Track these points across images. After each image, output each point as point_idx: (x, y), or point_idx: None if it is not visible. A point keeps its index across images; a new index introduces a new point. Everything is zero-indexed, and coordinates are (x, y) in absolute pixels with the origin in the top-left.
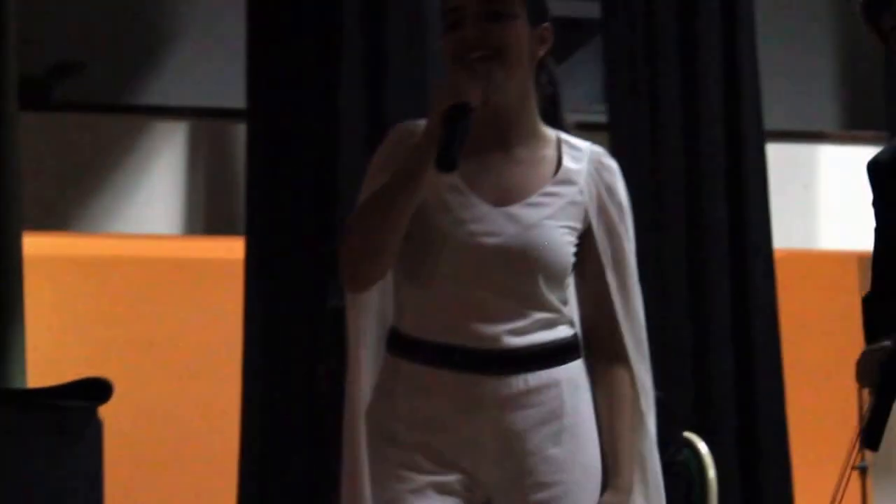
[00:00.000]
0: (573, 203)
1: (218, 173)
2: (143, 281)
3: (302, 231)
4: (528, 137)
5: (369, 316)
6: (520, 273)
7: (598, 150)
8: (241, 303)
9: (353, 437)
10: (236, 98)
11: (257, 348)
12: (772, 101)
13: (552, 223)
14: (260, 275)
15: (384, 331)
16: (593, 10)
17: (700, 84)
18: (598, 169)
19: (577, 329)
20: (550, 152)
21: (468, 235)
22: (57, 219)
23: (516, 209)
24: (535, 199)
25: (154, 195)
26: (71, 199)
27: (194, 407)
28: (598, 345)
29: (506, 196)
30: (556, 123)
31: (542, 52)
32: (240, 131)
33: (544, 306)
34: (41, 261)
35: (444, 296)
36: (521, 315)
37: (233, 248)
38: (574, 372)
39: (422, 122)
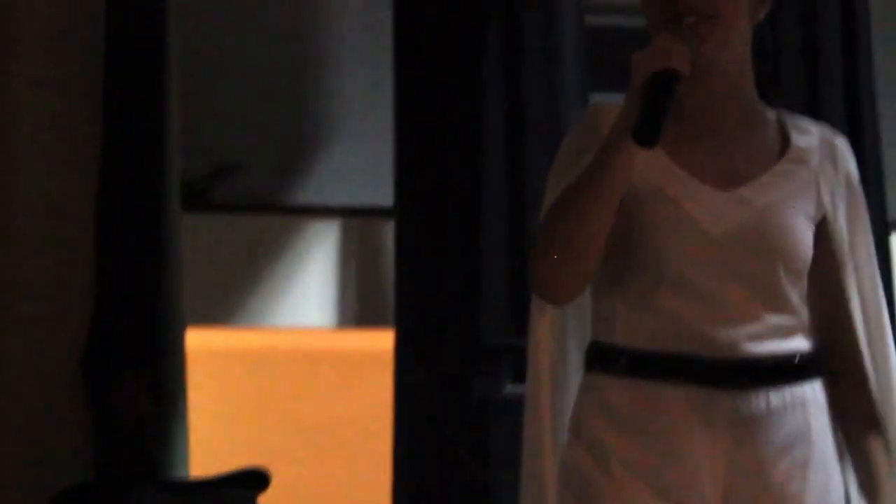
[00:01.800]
0: (806, 186)
1: (368, 268)
2: (298, 371)
3: (448, 322)
4: (746, 115)
5: (563, 336)
6: (757, 263)
7: (829, 130)
8: (391, 392)
9: (539, 484)
10: (385, 196)
11: (406, 436)
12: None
13: (788, 205)
14: (409, 365)
15: (570, 353)
16: None
17: None
18: (830, 150)
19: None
20: (772, 133)
21: (692, 223)
22: (217, 314)
23: (744, 191)
24: (764, 178)
25: (308, 290)
26: (230, 295)
27: (347, 492)
28: (830, 364)
29: (729, 178)
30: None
31: (761, 17)
32: (388, 228)
33: (785, 307)
34: (203, 354)
35: (667, 296)
36: (759, 317)
37: (383, 340)
38: (819, 391)
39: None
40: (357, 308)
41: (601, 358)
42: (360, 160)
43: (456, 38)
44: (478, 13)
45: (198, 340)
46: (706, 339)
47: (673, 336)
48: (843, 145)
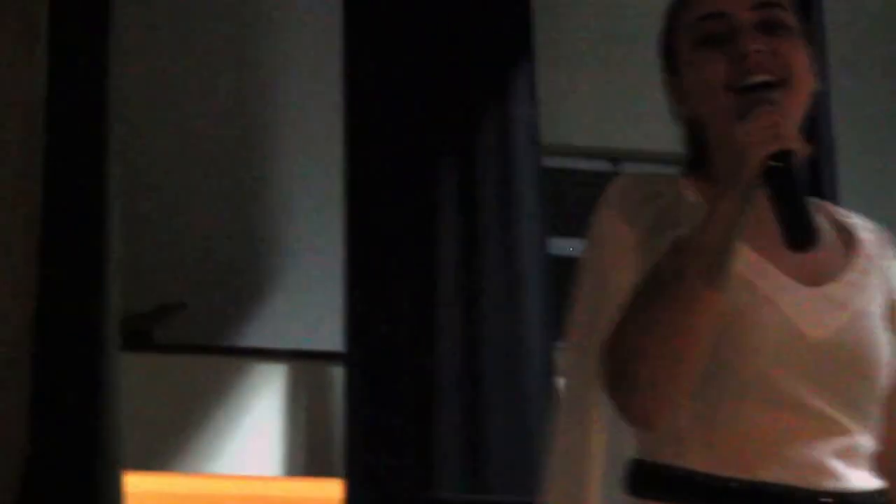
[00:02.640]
0: (879, 283)
1: (316, 414)
2: None
3: (400, 473)
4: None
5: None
6: (851, 374)
7: (871, 223)
8: None
9: None
10: (334, 341)
11: None
12: None
13: (874, 308)
14: None
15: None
16: None
17: None
18: (882, 240)
19: None
20: (821, 219)
21: (785, 323)
22: (157, 459)
23: (835, 290)
24: (849, 276)
25: (253, 436)
26: (172, 439)
27: None
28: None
29: (814, 274)
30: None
31: (817, 83)
32: (338, 374)
33: (868, 424)
34: (142, 500)
35: (752, 409)
36: (850, 441)
37: (331, 489)
38: None
39: (650, 176)
40: (304, 455)
41: (657, 482)
42: (310, 303)
43: (410, 183)
44: (433, 158)
45: (136, 486)
46: (792, 463)
47: (752, 457)
48: (886, 234)
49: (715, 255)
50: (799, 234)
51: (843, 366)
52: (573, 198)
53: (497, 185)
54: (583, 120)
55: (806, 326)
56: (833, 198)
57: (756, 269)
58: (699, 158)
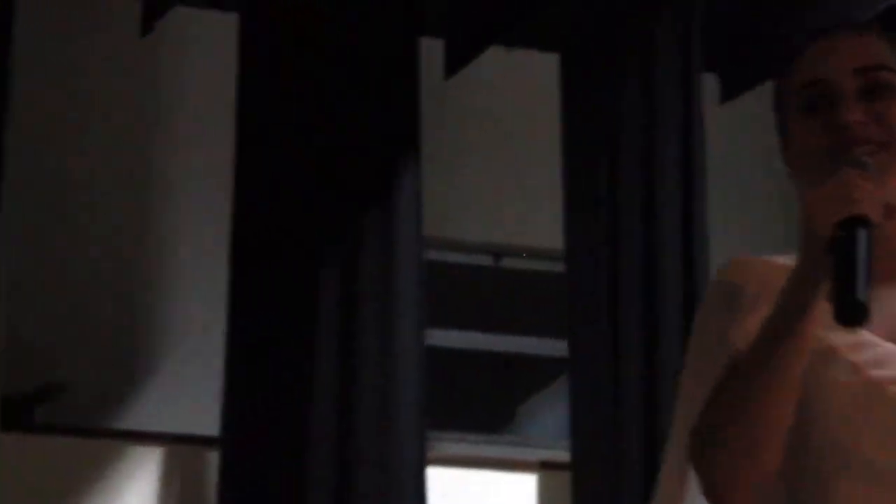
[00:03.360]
0: None
1: (190, 498)
2: None
3: None
4: None
5: None
6: None
7: None
8: None
9: None
10: (210, 426)
11: None
12: None
13: None
14: None
15: None
16: (561, 349)
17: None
18: None
19: None
20: None
21: (870, 385)
22: None
23: None
24: None
25: None
26: None
27: None
28: None
29: None
30: None
31: None
32: (213, 458)
33: None
34: None
35: (851, 487)
36: None
37: None
38: None
39: (763, 259)
40: None
41: None
42: (187, 388)
43: (292, 271)
44: (316, 249)
45: None
46: None
47: None
48: None
49: (779, 357)
50: (846, 312)
51: None
52: (455, 291)
53: (379, 276)
54: (467, 215)
55: (877, 370)
56: None
57: (836, 330)
58: None
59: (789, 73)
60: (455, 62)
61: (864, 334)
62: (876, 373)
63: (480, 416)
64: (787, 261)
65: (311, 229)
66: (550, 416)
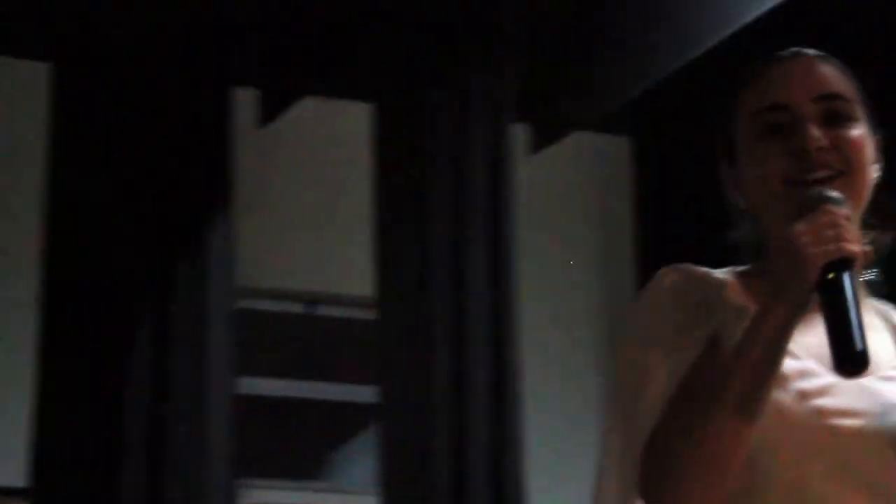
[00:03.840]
0: None
1: None
2: None
3: None
4: (862, 290)
5: None
6: (884, 469)
7: None
8: None
9: None
10: (17, 476)
11: None
12: None
13: None
14: None
15: None
16: (368, 394)
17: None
18: None
19: None
20: (880, 321)
21: (817, 414)
22: None
23: (873, 382)
24: (891, 372)
25: None
26: None
27: None
28: None
29: None
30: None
31: (875, 175)
32: None
33: None
34: None
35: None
36: None
37: None
38: None
39: (702, 270)
40: None
41: None
42: None
43: (104, 319)
44: (128, 297)
45: None
46: None
47: None
48: None
49: (753, 386)
50: (847, 361)
51: (879, 459)
52: (268, 339)
53: (190, 325)
54: (279, 263)
55: (838, 418)
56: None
57: (787, 358)
58: (754, 251)
59: (743, 94)
60: (269, 111)
61: (809, 362)
62: (821, 402)
63: (293, 464)
64: (724, 276)
65: (123, 279)
66: (363, 462)
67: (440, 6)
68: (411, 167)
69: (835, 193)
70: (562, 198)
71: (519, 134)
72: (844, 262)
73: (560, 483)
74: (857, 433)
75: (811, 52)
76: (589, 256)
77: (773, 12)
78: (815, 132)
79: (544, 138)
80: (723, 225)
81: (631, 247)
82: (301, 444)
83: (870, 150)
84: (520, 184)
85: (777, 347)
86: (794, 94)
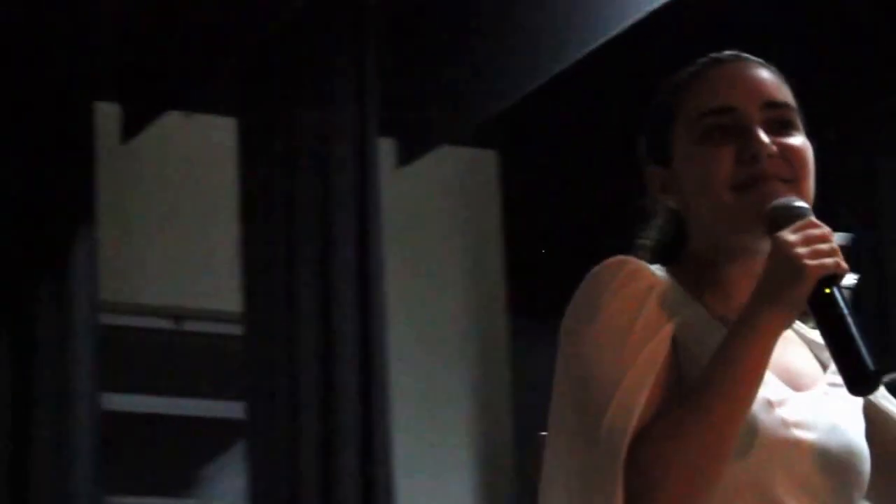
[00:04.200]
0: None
1: None
2: None
3: None
4: None
5: None
6: (837, 484)
7: None
8: None
9: None
10: None
11: None
12: None
13: (858, 420)
14: None
15: None
16: (236, 410)
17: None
18: None
19: None
20: (790, 330)
21: (781, 425)
22: None
23: (819, 396)
24: (824, 387)
25: None
26: None
27: None
28: None
29: (796, 379)
30: None
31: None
32: None
33: None
34: None
35: None
36: None
37: None
38: None
39: (652, 269)
40: None
41: None
42: None
43: None
44: None
45: None
46: None
47: None
48: None
49: (743, 392)
50: (860, 381)
51: (830, 471)
52: (134, 355)
53: (54, 342)
54: (145, 279)
55: (799, 430)
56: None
57: None
58: (671, 253)
59: (683, 95)
60: (132, 127)
61: (788, 390)
62: (783, 412)
63: (161, 480)
64: (661, 274)
65: None
66: (231, 478)
67: (305, 19)
68: (277, 182)
69: (805, 205)
70: (430, 211)
71: (386, 147)
72: (836, 278)
73: (434, 496)
74: (812, 447)
75: (752, 57)
76: (458, 269)
77: (636, 27)
78: (766, 138)
79: (412, 152)
80: (589, 234)
81: (500, 258)
82: (169, 461)
83: (812, 159)
84: (387, 197)
85: (767, 354)
86: (741, 98)
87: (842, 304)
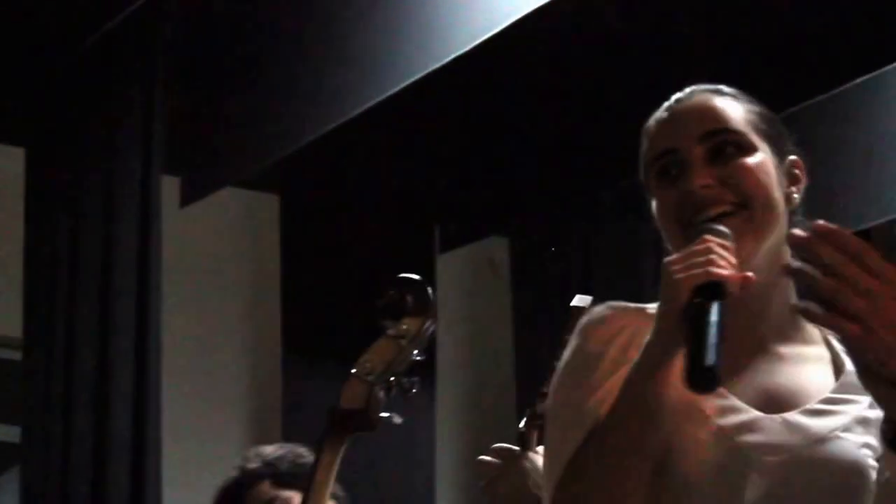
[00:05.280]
0: (866, 419)
1: None
2: None
3: None
4: (787, 325)
5: None
6: (814, 499)
7: None
8: None
9: None
10: None
11: None
12: None
13: (851, 437)
14: None
15: None
16: (13, 434)
17: None
18: None
19: None
20: (820, 350)
21: (738, 451)
22: None
23: (797, 417)
24: (818, 406)
25: None
26: None
27: None
28: None
29: (777, 401)
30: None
31: (795, 202)
32: None
33: None
34: None
35: None
36: None
37: None
38: None
39: (634, 307)
40: None
41: None
42: None
43: None
44: None
45: None
46: None
47: None
48: None
49: (640, 419)
50: (696, 378)
51: (804, 491)
52: None
53: None
54: None
55: (760, 453)
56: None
57: (709, 398)
58: None
59: (644, 142)
60: None
61: (733, 399)
62: (741, 438)
63: None
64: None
65: None
66: (7, 500)
67: (96, 53)
68: (62, 213)
69: (719, 227)
70: (211, 250)
71: (169, 185)
72: (715, 290)
73: None
74: (778, 468)
75: (703, 87)
76: (237, 309)
77: (417, 82)
78: (700, 171)
79: (195, 192)
80: (362, 276)
81: (278, 300)
82: None
83: (769, 175)
84: (169, 233)
85: (652, 380)
86: (681, 138)
87: (707, 311)
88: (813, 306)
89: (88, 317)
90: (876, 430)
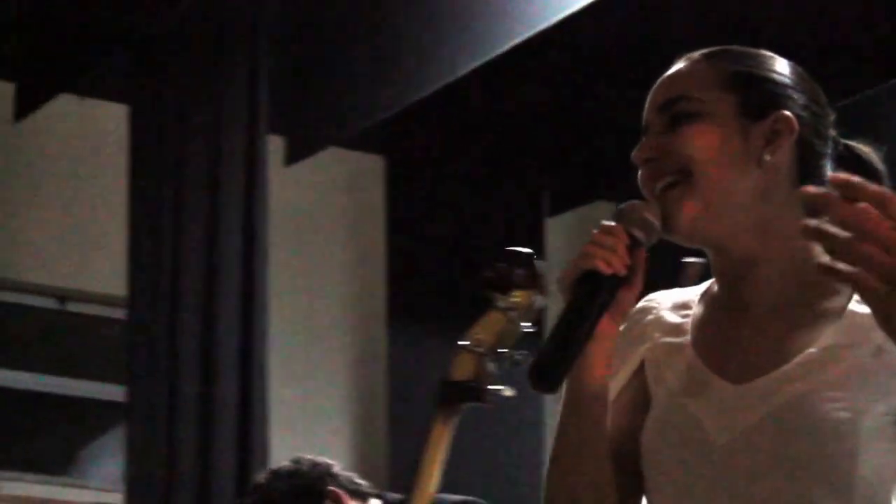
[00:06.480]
0: (870, 369)
1: None
2: None
3: None
4: (782, 282)
5: None
6: (781, 483)
7: None
8: None
9: None
10: None
11: None
12: None
13: (831, 396)
14: None
15: None
16: (117, 393)
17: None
18: None
19: None
20: (838, 301)
21: (693, 429)
22: None
23: (764, 383)
24: (795, 363)
25: None
26: None
27: None
28: None
29: (752, 367)
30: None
31: (772, 155)
32: None
33: None
34: None
35: None
36: None
37: None
38: None
39: (664, 295)
40: None
41: None
42: None
43: None
44: None
45: None
46: None
47: None
48: None
49: (565, 396)
50: (536, 368)
51: (766, 470)
52: (18, 332)
53: None
54: (32, 258)
55: (710, 431)
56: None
57: (690, 373)
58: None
59: None
60: (25, 106)
61: (709, 375)
62: (701, 414)
63: (40, 458)
64: (692, 295)
65: None
66: (110, 460)
67: (200, 12)
68: (166, 171)
69: (624, 206)
70: (315, 211)
71: (274, 145)
72: (597, 278)
73: None
74: (732, 446)
75: (686, 56)
76: (341, 270)
77: (524, 44)
78: (644, 144)
79: (299, 151)
80: (468, 241)
81: (383, 263)
82: (49, 439)
83: (715, 139)
84: (274, 193)
85: (576, 372)
86: (649, 111)
87: (575, 304)
88: (840, 265)
89: (194, 275)
90: (877, 378)
